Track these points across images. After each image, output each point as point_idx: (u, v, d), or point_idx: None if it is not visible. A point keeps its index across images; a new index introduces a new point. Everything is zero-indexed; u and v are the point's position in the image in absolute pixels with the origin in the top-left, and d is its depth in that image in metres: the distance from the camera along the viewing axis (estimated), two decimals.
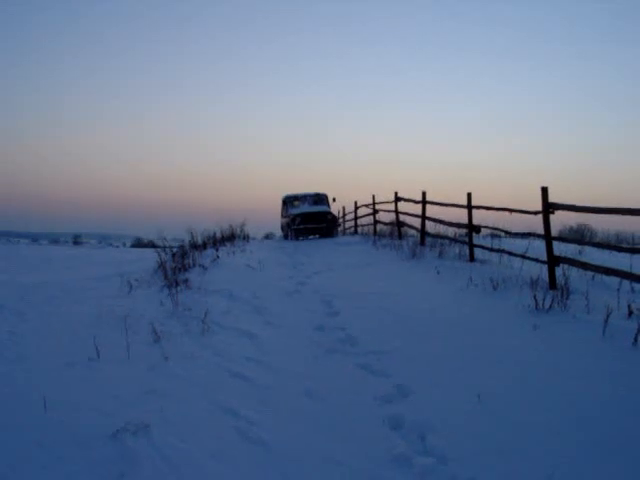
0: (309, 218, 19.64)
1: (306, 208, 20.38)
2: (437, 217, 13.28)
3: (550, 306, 6.73)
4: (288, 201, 21.32)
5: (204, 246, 14.90)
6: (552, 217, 8.19)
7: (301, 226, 19.51)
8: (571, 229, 21.48)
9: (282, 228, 22.06)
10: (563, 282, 7.49)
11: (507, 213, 9.60)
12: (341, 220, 24.81)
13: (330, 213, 20.31)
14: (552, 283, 7.98)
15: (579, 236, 18.54)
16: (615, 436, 3.76)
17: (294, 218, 19.62)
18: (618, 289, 7.00)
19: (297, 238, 19.39)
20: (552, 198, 8.12)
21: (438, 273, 9.87)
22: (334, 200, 21.79)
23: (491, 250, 10.57)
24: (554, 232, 8.44)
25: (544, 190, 8.16)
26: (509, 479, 3.40)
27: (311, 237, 20.05)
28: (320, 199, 21.26)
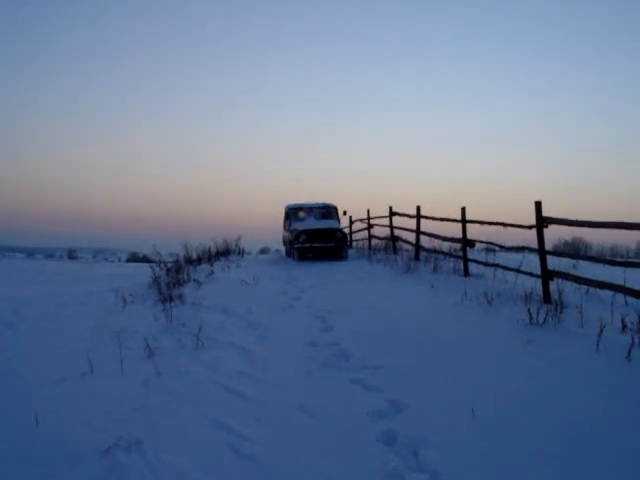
0: (315, 236, 16.62)
1: (312, 223, 17.27)
2: (432, 232, 13.33)
3: (544, 320, 6.74)
4: (291, 212, 18.32)
5: (199, 261, 14.96)
6: (547, 231, 8.22)
7: (306, 245, 16.59)
8: (566, 243, 21.58)
9: (284, 242, 19.58)
10: (557, 296, 7.51)
11: (501, 227, 9.63)
12: None
13: (340, 230, 17.26)
14: (546, 297, 8.00)
15: (574, 250, 18.58)
16: (609, 450, 3.75)
17: (298, 235, 16.69)
18: (612, 303, 7.02)
19: (300, 259, 16.74)
20: (547, 212, 8.16)
21: (432, 287, 9.89)
22: (344, 213, 19.53)
23: (485, 264, 10.61)
24: (549, 246, 8.48)
25: (538, 204, 8.20)
26: None
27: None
28: (329, 212, 18.29)
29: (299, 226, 17.08)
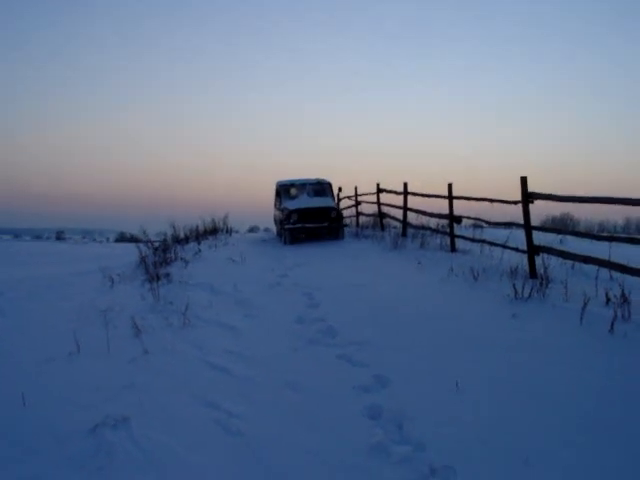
0: (308, 215, 15.25)
1: (305, 202, 15.85)
2: (420, 208, 13.36)
3: (529, 295, 6.80)
4: (282, 190, 16.96)
5: (186, 240, 14.92)
6: (536, 207, 8.24)
7: (298, 225, 15.21)
8: (554, 219, 21.70)
9: (275, 222, 18.14)
10: (542, 271, 7.56)
11: (489, 203, 9.63)
12: None
13: (335, 209, 15.87)
14: (532, 272, 8.05)
15: (562, 226, 18.68)
16: (591, 420, 3.82)
17: (289, 214, 15.27)
18: (596, 277, 7.08)
19: (292, 241, 15.34)
20: (537, 188, 8.16)
21: (419, 264, 9.93)
22: (340, 190, 18.50)
23: (472, 240, 10.66)
24: (537, 222, 8.52)
25: (523, 180, 8.21)
26: (486, 465, 3.43)
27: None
28: (323, 189, 16.86)
29: (290, 205, 15.67)
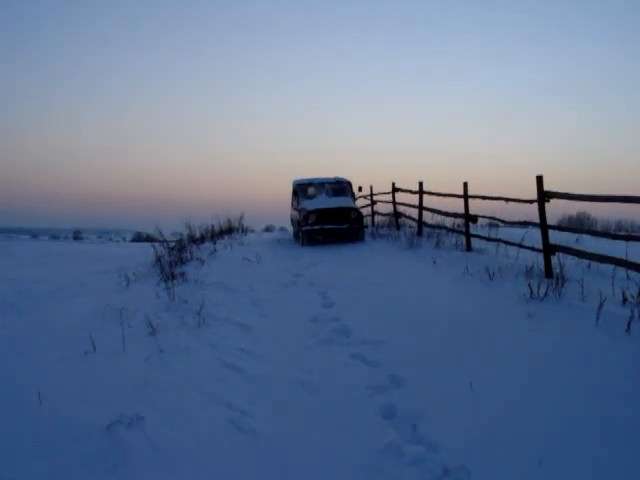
0: (327, 216, 14.51)
1: (323, 202, 15.04)
2: (435, 207, 13.33)
3: (545, 294, 6.75)
4: (299, 189, 16.12)
5: (202, 240, 14.96)
6: (552, 206, 8.18)
7: (316, 226, 14.48)
8: (571, 218, 21.49)
9: (292, 222, 17.18)
10: (558, 270, 7.50)
11: (505, 202, 9.57)
12: None
13: (355, 209, 14.96)
14: (548, 271, 7.99)
15: (578, 225, 18.49)
16: (607, 421, 3.78)
17: (307, 215, 14.55)
18: (613, 276, 7.01)
19: (310, 243, 14.72)
20: (554, 187, 8.09)
21: (434, 263, 9.89)
22: (360, 190, 17.41)
23: (488, 239, 10.61)
24: (554, 221, 8.45)
25: (539, 179, 8.15)
26: (500, 466, 3.41)
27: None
28: (342, 188, 15.94)
29: (308, 205, 14.88)
